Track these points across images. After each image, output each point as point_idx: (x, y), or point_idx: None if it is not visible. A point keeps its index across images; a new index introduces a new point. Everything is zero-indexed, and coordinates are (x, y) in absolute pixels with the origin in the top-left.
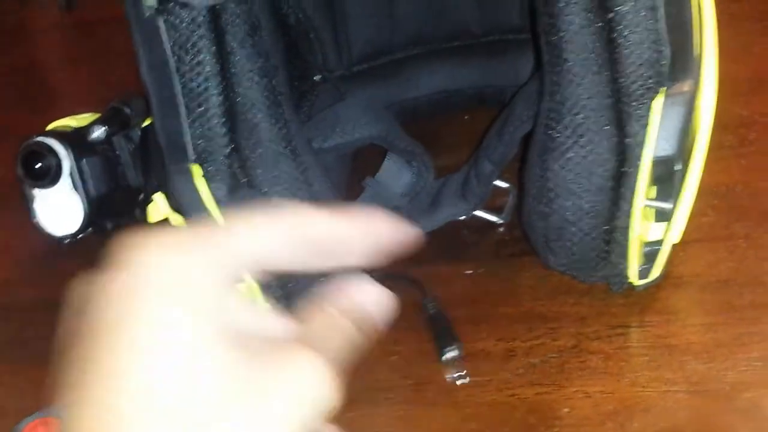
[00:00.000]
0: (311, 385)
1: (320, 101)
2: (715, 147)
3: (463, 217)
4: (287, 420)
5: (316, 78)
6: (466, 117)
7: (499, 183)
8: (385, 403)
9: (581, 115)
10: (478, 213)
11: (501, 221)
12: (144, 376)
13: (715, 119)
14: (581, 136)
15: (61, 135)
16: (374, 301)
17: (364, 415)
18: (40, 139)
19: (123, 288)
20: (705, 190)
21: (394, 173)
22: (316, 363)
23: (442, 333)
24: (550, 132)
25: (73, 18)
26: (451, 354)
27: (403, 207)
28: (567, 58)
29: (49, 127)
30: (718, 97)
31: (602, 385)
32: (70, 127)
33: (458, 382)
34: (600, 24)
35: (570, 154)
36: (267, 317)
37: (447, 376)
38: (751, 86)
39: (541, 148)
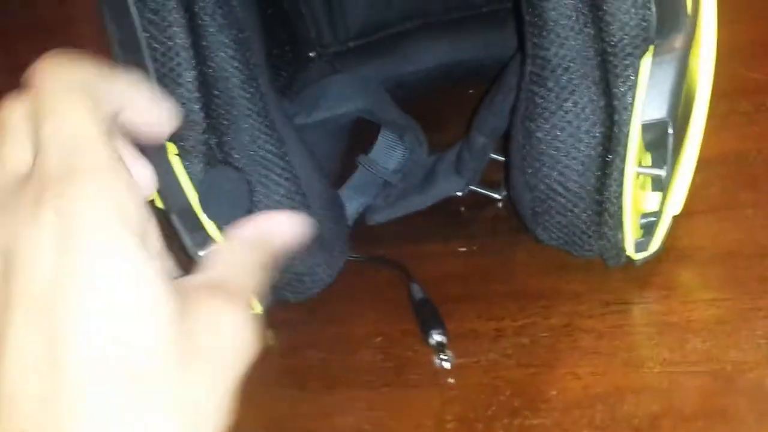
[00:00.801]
0: (233, 338)
1: (315, 79)
2: (727, 114)
3: (459, 194)
4: (219, 378)
5: (311, 54)
6: (470, 91)
7: (496, 156)
8: (366, 386)
9: (565, 77)
10: (476, 188)
11: (498, 196)
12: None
13: (728, 85)
14: (566, 99)
15: None
16: (281, 222)
17: (345, 398)
18: None
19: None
20: (714, 159)
21: (387, 149)
22: (234, 314)
23: (428, 316)
24: (532, 96)
25: None
26: (437, 337)
27: (395, 184)
28: (548, 17)
29: None
30: (733, 63)
31: (593, 366)
32: None
33: (443, 365)
34: None
35: (554, 119)
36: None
37: (432, 358)
38: None
39: (524, 113)
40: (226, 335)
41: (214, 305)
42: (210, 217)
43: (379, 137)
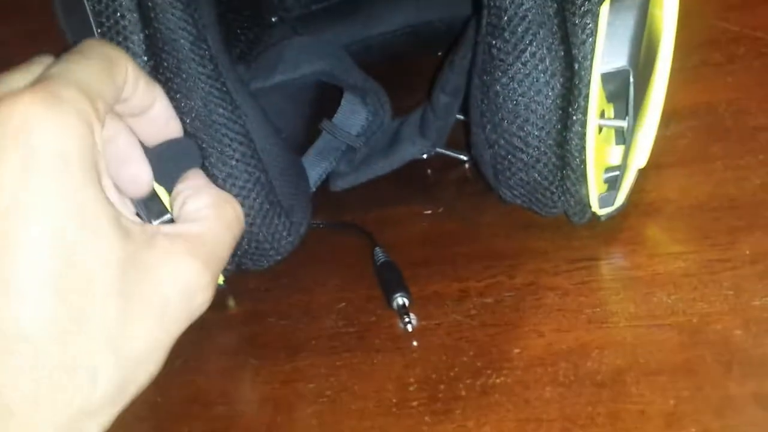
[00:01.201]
0: (184, 292)
1: (275, 43)
2: (698, 65)
3: (425, 157)
4: (160, 327)
5: (273, 19)
6: (438, 53)
7: (462, 117)
8: (328, 352)
9: (521, 27)
10: (442, 151)
11: (466, 158)
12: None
13: (700, 36)
14: (523, 50)
15: None
16: None
17: (307, 365)
18: None
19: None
20: (685, 112)
21: (350, 114)
22: (192, 268)
23: (390, 280)
24: (489, 49)
25: None
26: (399, 300)
27: (358, 148)
28: None
29: None
30: (705, 13)
31: (558, 323)
32: None
33: (406, 328)
34: None
35: (512, 72)
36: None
37: (396, 322)
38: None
39: (481, 68)
40: (177, 287)
41: (175, 255)
42: (163, 185)
43: (342, 101)
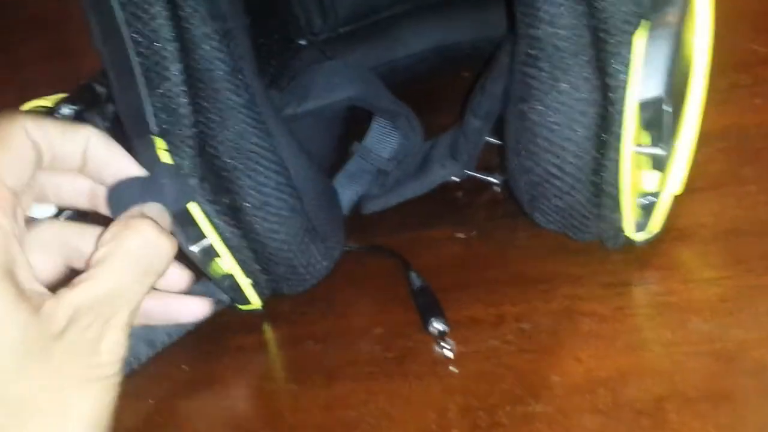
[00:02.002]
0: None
1: (306, 67)
2: (727, 88)
3: (456, 179)
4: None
5: (302, 42)
6: (465, 74)
7: (492, 140)
8: (366, 377)
9: (557, 56)
10: (473, 173)
11: (497, 181)
12: None
13: (730, 58)
14: (559, 79)
15: None
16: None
17: (346, 391)
18: None
19: None
20: (714, 135)
21: (382, 137)
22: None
23: (427, 305)
24: (524, 77)
25: None
26: (437, 326)
27: (390, 171)
28: None
29: (24, 107)
30: (735, 35)
31: (595, 349)
32: (43, 107)
33: (445, 354)
34: None
35: (548, 100)
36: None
37: (433, 347)
38: None
39: (517, 95)
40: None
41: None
42: None
43: (372, 124)
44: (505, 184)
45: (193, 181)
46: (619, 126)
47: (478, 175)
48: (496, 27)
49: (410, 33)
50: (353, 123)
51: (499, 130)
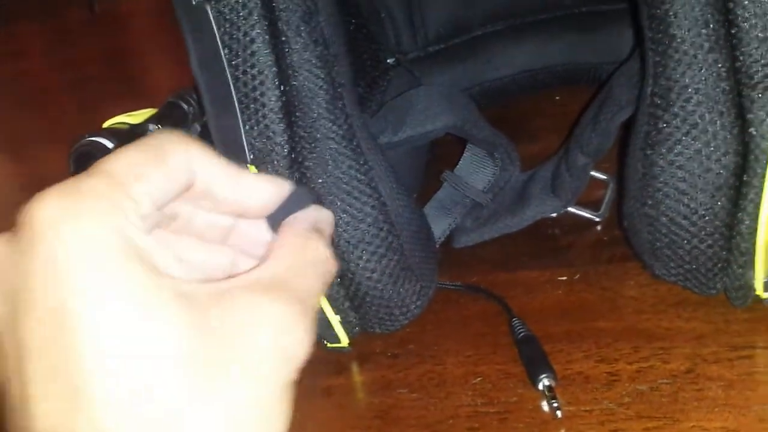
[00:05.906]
0: (275, 336)
1: (394, 86)
2: None
3: (554, 214)
4: (260, 384)
5: (390, 61)
6: (557, 98)
7: (595, 174)
8: None
9: (693, 101)
10: (572, 209)
11: (598, 218)
12: (102, 362)
13: None
14: (693, 126)
15: (115, 133)
16: (326, 219)
17: None
18: (92, 138)
19: (47, 268)
20: None
21: (475, 166)
22: (277, 311)
23: (534, 357)
24: (655, 122)
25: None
26: (547, 381)
27: (486, 204)
28: (675, 34)
29: (105, 125)
30: None
31: (724, 420)
32: (125, 124)
33: (555, 414)
34: None
35: (680, 148)
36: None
37: (540, 404)
38: None
39: (644, 140)
40: (267, 335)
41: (254, 304)
42: None
43: (466, 152)
44: (608, 223)
45: None
46: (760, 177)
47: (579, 212)
48: (593, 52)
49: (502, 54)
50: (436, 147)
51: (617, 172)
